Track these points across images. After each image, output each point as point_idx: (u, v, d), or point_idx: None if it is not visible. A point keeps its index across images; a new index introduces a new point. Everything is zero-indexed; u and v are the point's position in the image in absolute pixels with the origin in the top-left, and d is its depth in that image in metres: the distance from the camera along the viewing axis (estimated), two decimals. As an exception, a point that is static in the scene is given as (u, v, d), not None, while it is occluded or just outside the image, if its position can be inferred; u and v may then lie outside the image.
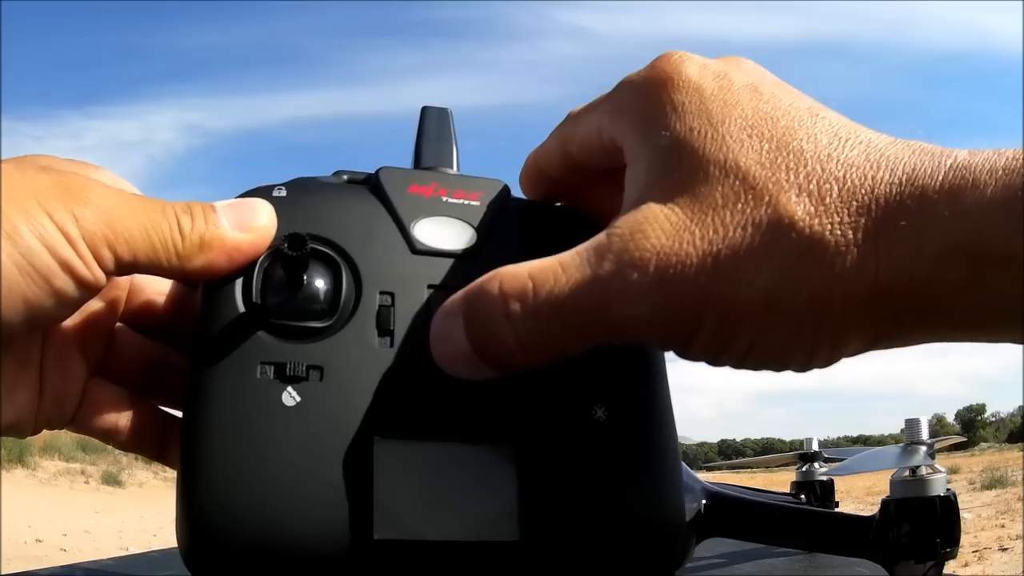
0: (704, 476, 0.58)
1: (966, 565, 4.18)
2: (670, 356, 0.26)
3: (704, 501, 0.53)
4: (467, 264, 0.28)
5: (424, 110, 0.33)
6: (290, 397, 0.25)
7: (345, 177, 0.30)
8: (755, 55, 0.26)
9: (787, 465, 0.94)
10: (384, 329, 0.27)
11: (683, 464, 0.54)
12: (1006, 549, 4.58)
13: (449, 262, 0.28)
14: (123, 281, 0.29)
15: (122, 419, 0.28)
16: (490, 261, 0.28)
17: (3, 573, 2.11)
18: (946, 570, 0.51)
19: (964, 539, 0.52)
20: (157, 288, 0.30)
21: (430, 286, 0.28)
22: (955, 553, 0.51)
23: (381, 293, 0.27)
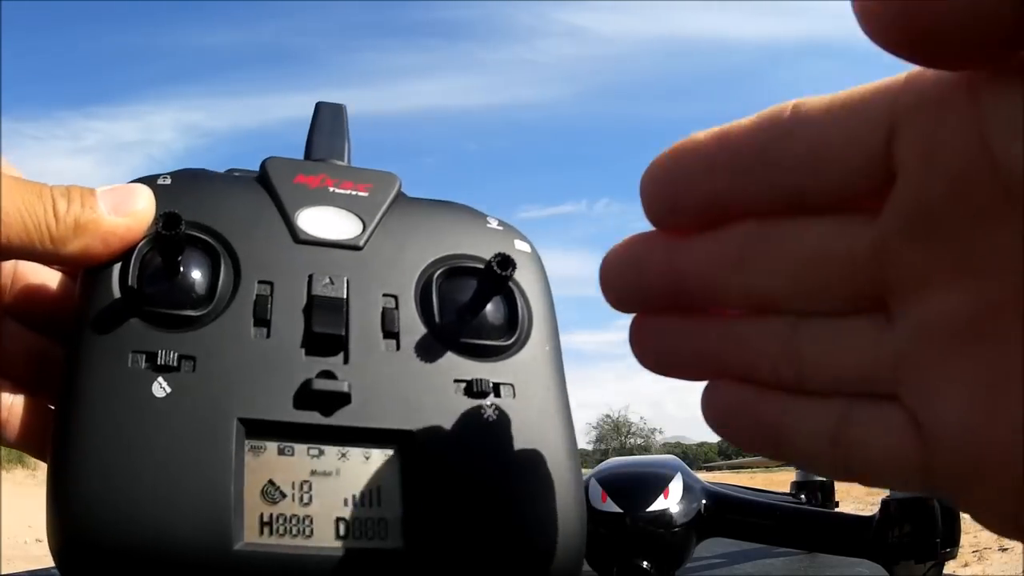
0: (704, 476, 0.58)
1: (966, 565, 4.18)
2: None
3: (704, 501, 0.52)
4: (352, 254, 0.27)
5: (318, 105, 0.32)
6: (160, 388, 0.23)
7: (237, 174, 0.29)
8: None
9: (787, 465, 0.94)
10: (261, 319, 0.25)
11: (683, 464, 0.54)
12: (1006, 549, 4.58)
13: (333, 252, 0.27)
14: (6, 269, 0.28)
15: (7, 413, 0.26)
16: (376, 252, 0.27)
17: (3, 573, 2.11)
18: (946, 570, 0.51)
19: (964, 539, 0.52)
20: (42, 278, 0.28)
21: (311, 276, 0.26)
22: (955, 553, 0.51)
23: (260, 283, 0.26)
